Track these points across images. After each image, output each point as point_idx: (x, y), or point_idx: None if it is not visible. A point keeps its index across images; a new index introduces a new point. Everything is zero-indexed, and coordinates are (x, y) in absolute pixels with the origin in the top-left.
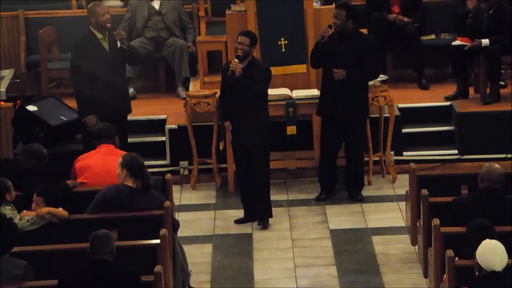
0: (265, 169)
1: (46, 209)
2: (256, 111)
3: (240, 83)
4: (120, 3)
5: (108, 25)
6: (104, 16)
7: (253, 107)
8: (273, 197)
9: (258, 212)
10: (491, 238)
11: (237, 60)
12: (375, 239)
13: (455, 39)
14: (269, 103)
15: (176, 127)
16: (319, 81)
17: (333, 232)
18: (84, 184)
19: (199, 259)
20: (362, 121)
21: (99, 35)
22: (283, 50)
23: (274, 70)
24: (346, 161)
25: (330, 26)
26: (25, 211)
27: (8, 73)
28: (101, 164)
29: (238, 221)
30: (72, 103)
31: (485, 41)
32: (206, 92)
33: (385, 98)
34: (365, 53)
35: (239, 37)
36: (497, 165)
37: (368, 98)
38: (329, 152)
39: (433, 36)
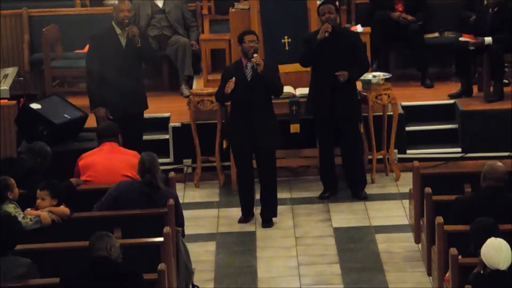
0: (275, 169)
1: (47, 208)
2: (271, 108)
3: (267, 79)
4: None
5: (126, 20)
6: (122, 12)
7: (268, 104)
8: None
9: (267, 214)
10: (495, 236)
11: (257, 54)
12: (379, 237)
13: (458, 37)
14: (273, 101)
15: (180, 125)
16: None
17: (336, 230)
18: (88, 182)
19: (202, 257)
20: (356, 117)
21: (118, 30)
22: (287, 48)
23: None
24: (344, 160)
25: (328, 22)
26: (29, 209)
27: (11, 71)
28: (105, 162)
29: (240, 222)
30: (76, 101)
31: (488, 39)
32: (210, 90)
33: (388, 96)
34: (356, 46)
35: (247, 36)
36: (499, 163)
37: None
38: (327, 150)
39: (436, 35)
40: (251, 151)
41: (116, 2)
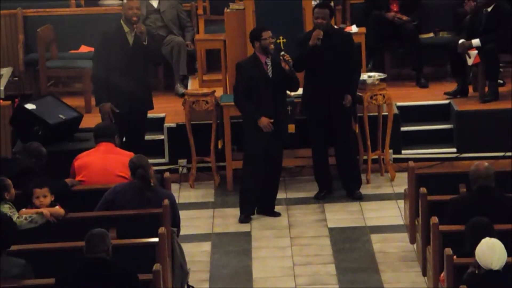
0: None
1: (40, 209)
2: (287, 104)
3: (294, 74)
4: (118, 1)
5: (134, 18)
6: (131, 10)
7: (286, 101)
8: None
9: (272, 207)
10: (490, 236)
11: (284, 53)
12: (374, 237)
13: (453, 37)
14: None
15: (175, 126)
16: None
17: (331, 230)
18: (83, 183)
19: (197, 257)
20: (350, 118)
21: (126, 29)
22: (282, 48)
23: None
24: (339, 160)
25: (319, 28)
26: (24, 209)
27: (6, 72)
28: (100, 163)
29: (242, 221)
30: (71, 101)
31: (476, 41)
32: (205, 90)
33: (383, 96)
34: (349, 47)
35: (264, 33)
36: (483, 162)
37: None
38: (321, 151)
39: (431, 35)
40: (267, 150)
41: (124, 1)
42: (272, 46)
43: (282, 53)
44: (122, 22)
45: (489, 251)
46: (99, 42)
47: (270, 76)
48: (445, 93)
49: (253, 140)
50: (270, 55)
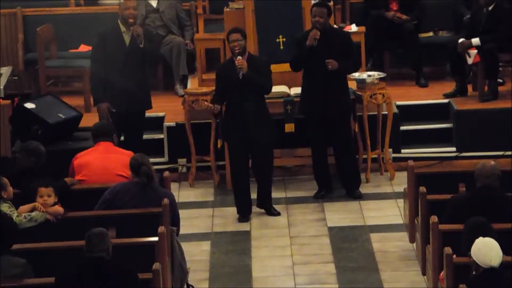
0: (272, 166)
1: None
2: (264, 105)
3: (252, 79)
4: (117, 1)
5: (131, 20)
6: (127, 11)
7: (261, 102)
8: (271, 194)
9: (268, 204)
10: (487, 236)
11: (241, 57)
12: (373, 236)
13: (453, 37)
14: (267, 100)
15: (174, 125)
16: None
17: (331, 229)
18: (82, 182)
19: (197, 256)
20: (349, 117)
21: (123, 28)
22: (281, 47)
23: (272, 68)
24: (338, 160)
25: (317, 27)
26: (22, 206)
27: (6, 71)
28: (99, 162)
29: (241, 221)
30: (70, 100)
31: (475, 40)
32: (204, 89)
33: (383, 95)
34: (347, 46)
35: (230, 35)
36: (489, 161)
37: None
38: (320, 150)
39: (431, 34)
40: (247, 151)
41: (120, 1)
42: (237, 49)
43: (239, 57)
44: (119, 22)
45: (486, 249)
46: (96, 43)
47: (240, 77)
48: (444, 94)
49: (231, 143)
50: (235, 57)
